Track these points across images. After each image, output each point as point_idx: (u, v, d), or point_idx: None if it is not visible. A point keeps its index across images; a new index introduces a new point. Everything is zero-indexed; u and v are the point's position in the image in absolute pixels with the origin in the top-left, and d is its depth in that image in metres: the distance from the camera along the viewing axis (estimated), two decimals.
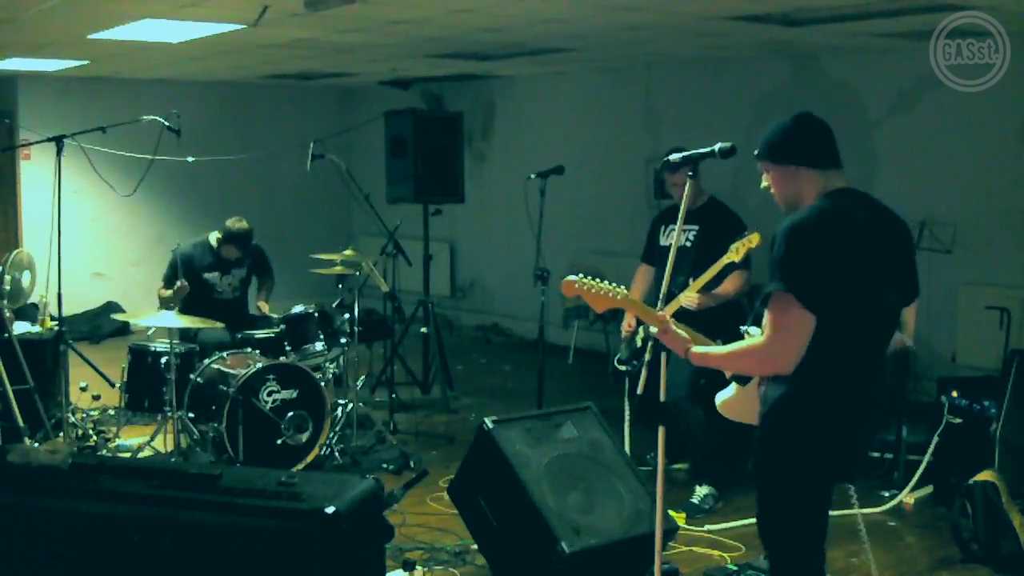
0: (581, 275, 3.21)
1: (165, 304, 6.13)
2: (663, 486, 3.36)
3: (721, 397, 3.29)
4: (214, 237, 6.36)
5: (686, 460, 5.62)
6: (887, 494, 5.41)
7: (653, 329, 3.13)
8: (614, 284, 3.19)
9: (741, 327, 3.16)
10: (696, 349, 3.03)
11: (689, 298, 4.95)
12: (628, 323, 5.35)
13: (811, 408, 2.87)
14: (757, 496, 3.06)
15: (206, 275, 6.31)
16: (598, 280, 3.18)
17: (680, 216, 3.55)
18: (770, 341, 2.81)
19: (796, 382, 2.86)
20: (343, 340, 6.08)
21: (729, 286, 5.07)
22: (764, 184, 3.08)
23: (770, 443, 2.95)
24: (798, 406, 2.88)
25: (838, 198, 2.90)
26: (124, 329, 9.22)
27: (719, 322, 4.82)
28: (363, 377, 6.81)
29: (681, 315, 4.84)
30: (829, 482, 3.02)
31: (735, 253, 4.67)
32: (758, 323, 2.98)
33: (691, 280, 5.00)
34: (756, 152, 3.05)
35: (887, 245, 2.93)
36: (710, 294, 4.98)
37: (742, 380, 3.17)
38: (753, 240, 4.63)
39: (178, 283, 6.07)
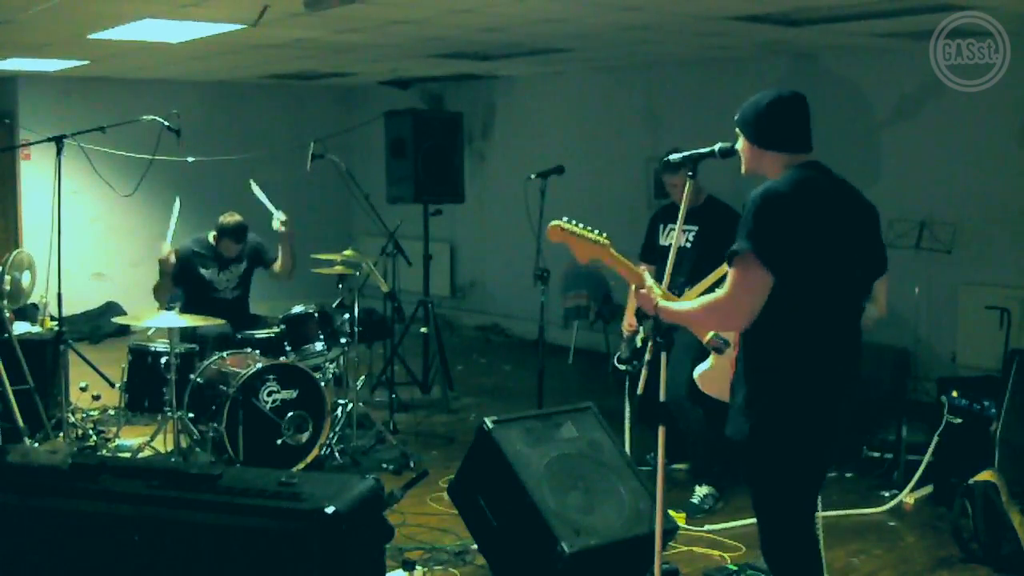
0: (566, 219, 3.25)
1: (159, 292, 6.12)
2: (663, 486, 3.36)
3: (699, 370, 3.33)
4: (211, 234, 6.37)
5: (686, 460, 5.62)
6: (887, 494, 5.41)
7: (633, 287, 3.25)
8: (599, 232, 3.23)
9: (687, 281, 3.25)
10: (664, 304, 3.16)
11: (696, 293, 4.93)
12: (628, 322, 5.34)
13: (786, 377, 2.98)
14: (745, 466, 3.12)
15: (203, 271, 6.30)
16: (584, 226, 3.22)
17: (680, 217, 3.55)
18: (727, 297, 2.95)
19: (768, 351, 2.98)
20: (343, 340, 6.08)
21: None
22: (738, 145, 3.19)
23: (752, 411, 3.03)
24: (773, 375, 2.99)
25: (807, 170, 3.03)
26: (124, 329, 9.22)
27: None
28: (363, 377, 6.80)
29: None
30: (812, 450, 3.07)
31: None
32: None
33: (688, 287, 4.99)
34: (735, 116, 3.16)
35: (852, 219, 3.06)
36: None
37: (718, 350, 3.22)
38: None
39: (165, 248, 6.09)
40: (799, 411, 2.99)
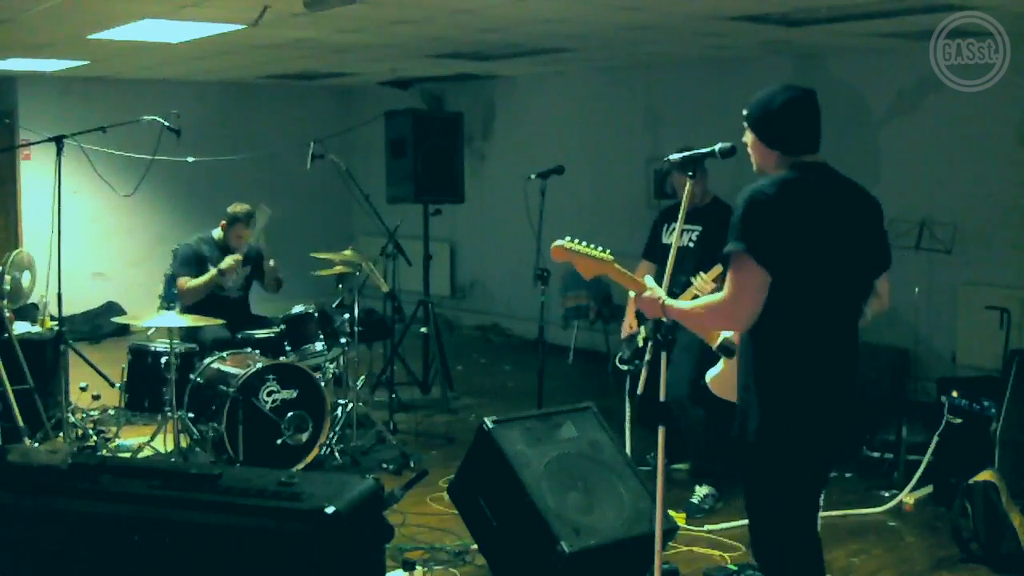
0: (569, 238, 3.23)
1: (193, 294, 6.10)
2: (663, 486, 3.37)
3: (711, 374, 3.33)
4: (217, 232, 6.35)
5: (686, 460, 5.62)
6: (887, 494, 5.41)
7: (632, 294, 3.23)
8: (601, 248, 3.22)
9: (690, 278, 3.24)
10: (670, 302, 3.16)
11: (703, 283, 4.92)
12: (628, 323, 5.34)
13: (786, 372, 2.97)
14: (743, 468, 3.13)
15: (212, 269, 6.30)
16: (586, 244, 3.21)
17: (680, 216, 3.54)
18: (727, 297, 2.96)
19: (769, 348, 2.97)
20: (343, 340, 6.08)
21: None
22: (745, 139, 3.19)
23: (752, 406, 3.02)
24: (774, 370, 2.98)
25: (802, 170, 3.03)
26: (124, 329, 9.22)
27: None
28: (363, 377, 6.80)
29: None
30: (814, 450, 3.07)
31: None
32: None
33: (692, 280, 4.99)
34: (744, 112, 3.16)
35: (852, 216, 3.05)
36: (719, 287, 4.95)
37: (729, 353, 3.21)
38: None
39: (231, 259, 6.16)
40: (799, 412, 2.98)
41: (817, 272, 2.94)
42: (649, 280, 3.24)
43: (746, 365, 3.06)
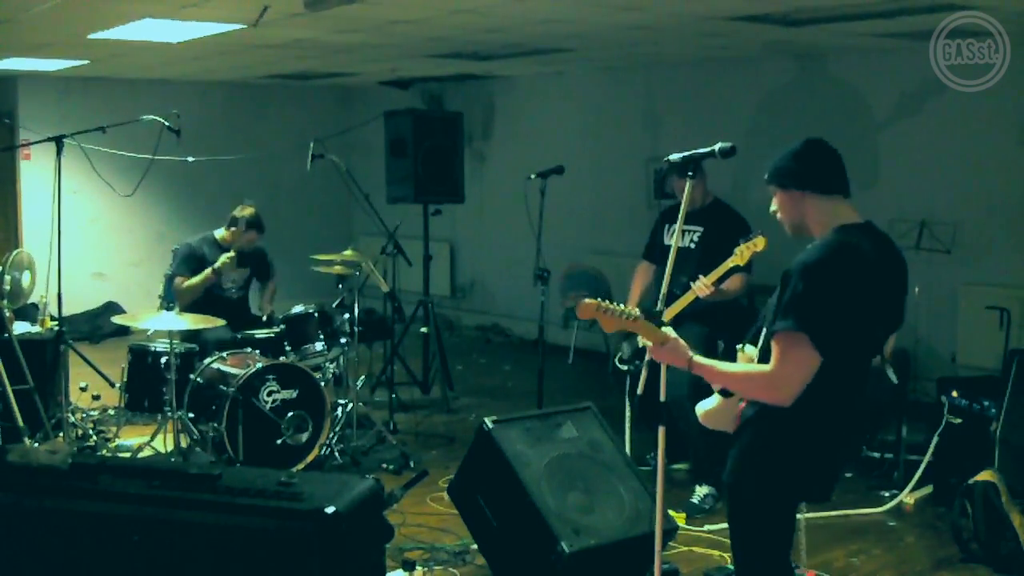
0: (599, 299, 3.21)
1: (189, 294, 6.09)
2: (663, 486, 3.37)
3: (703, 407, 3.30)
4: (219, 234, 6.34)
5: (686, 460, 5.62)
6: (887, 494, 5.41)
7: (648, 343, 3.13)
8: (625, 305, 3.20)
9: (736, 345, 3.18)
10: (699, 360, 3.03)
11: (703, 285, 4.92)
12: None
13: (796, 434, 2.91)
14: (728, 508, 3.10)
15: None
16: (613, 303, 3.18)
17: (680, 217, 3.54)
18: (776, 373, 2.83)
19: (793, 410, 2.86)
20: (343, 340, 6.08)
21: (731, 286, 5.07)
22: (773, 208, 3.08)
23: (750, 461, 2.99)
24: (783, 432, 2.92)
25: (849, 234, 2.91)
26: (124, 329, 9.21)
27: (723, 320, 5.13)
28: (363, 377, 6.81)
29: (685, 313, 4.86)
30: (800, 501, 3.12)
31: (739, 257, 4.59)
32: (755, 342, 3.01)
33: (692, 283, 4.99)
34: (765, 176, 3.06)
35: (887, 281, 2.96)
36: (718, 289, 4.96)
37: (727, 393, 3.18)
38: (759, 244, 4.48)
39: (225, 257, 6.14)
40: (806, 463, 2.95)
41: (857, 344, 2.89)
42: (671, 331, 3.12)
43: (760, 422, 2.98)
